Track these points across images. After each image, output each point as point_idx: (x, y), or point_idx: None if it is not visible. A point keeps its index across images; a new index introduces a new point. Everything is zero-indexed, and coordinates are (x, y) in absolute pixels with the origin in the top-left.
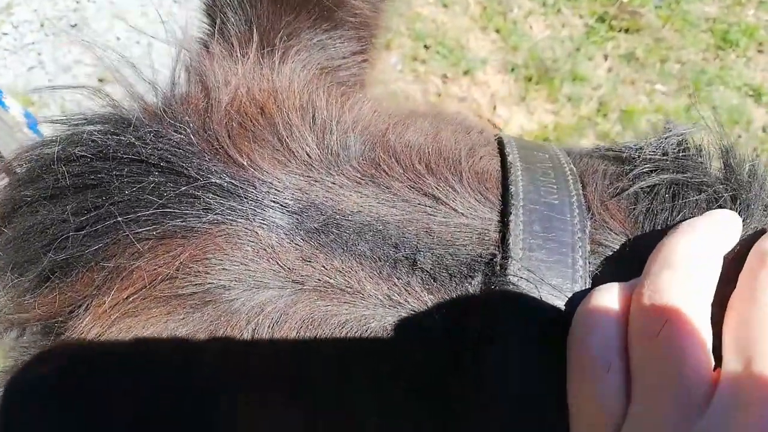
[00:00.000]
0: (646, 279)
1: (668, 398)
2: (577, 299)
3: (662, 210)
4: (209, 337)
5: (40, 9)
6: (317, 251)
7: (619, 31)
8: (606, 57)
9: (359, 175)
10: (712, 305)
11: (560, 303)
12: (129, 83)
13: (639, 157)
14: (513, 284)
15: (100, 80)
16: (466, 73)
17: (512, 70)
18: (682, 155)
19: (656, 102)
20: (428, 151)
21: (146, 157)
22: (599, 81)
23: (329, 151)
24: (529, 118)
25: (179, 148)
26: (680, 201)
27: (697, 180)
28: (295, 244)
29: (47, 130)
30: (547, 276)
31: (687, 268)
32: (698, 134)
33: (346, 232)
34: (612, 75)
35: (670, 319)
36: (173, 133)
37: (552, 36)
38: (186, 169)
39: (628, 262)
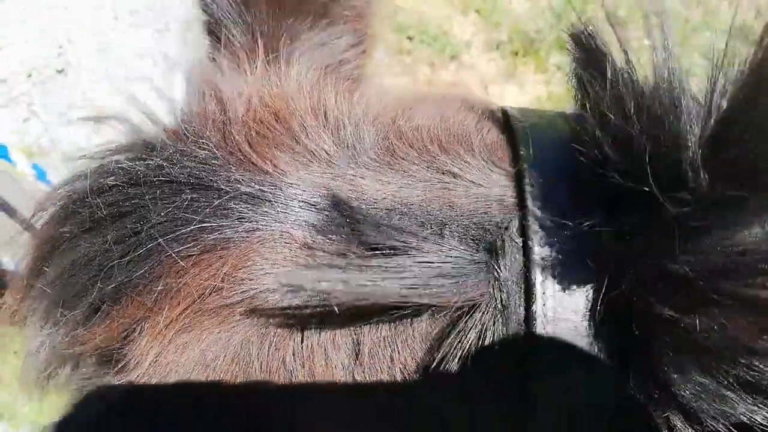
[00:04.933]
0: None
1: None
2: None
3: None
4: (261, 343)
5: (25, 60)
6: (351, 243)
7: None
8: None
9: (377, 164)
10: None
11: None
12: (148, 108)
13: None
14: (533, 242)
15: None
16: (452, 57)
17: (497, 47)
18: None
19: (645, 59)
20: (438, 132)
21: (175, 177)
22: None
23: (345, 145)
24: (521, 92)
25: (206, 164)
26: None
27: None
28: (329, 239)
29: (60, 174)
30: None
31: None
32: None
33: (374, 220)
34: None
35: None
36: (197, 149)
37: (532, 8)
38: (215, 182)
39: None
